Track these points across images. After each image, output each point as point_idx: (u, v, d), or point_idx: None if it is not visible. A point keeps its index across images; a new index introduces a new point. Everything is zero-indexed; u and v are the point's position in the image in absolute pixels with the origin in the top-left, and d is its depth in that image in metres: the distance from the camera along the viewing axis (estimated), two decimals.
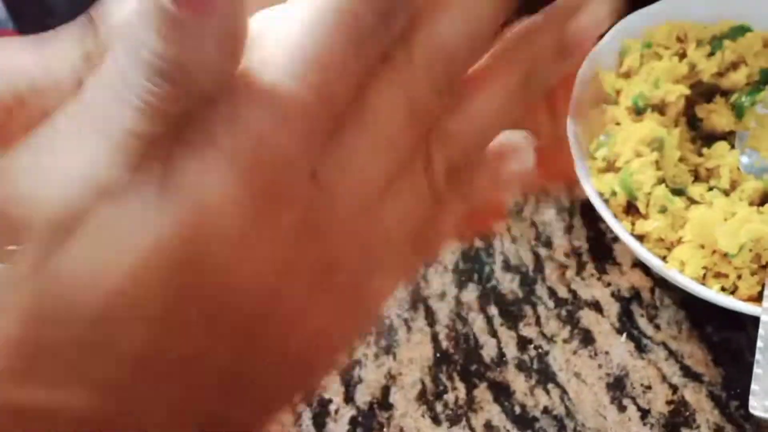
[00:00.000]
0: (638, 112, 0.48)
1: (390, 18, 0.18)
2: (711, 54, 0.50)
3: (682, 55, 0.50)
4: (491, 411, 0.44)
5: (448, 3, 0.19)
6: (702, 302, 0.42)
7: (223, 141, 0.16)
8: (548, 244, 0.50)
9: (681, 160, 0.47)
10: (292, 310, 0.18)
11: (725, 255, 0.42)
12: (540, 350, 0.46)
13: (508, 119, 0.20)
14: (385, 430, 0.43)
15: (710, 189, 0.46)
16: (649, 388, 0.44)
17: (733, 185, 0.46)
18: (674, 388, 0.44)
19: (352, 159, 0.18)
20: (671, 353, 0.45)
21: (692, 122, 0.50)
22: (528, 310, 0.47)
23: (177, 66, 0.16)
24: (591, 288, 0.48)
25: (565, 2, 0.21)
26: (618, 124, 0.48)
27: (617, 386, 0.44)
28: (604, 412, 0.43)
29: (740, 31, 0.51)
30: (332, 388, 0.45)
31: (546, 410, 0.43)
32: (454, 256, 0.49)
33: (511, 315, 0.47)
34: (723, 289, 0.42)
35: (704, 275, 0.43)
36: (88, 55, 0.21)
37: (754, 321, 0.41)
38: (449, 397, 0.44)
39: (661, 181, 0.45)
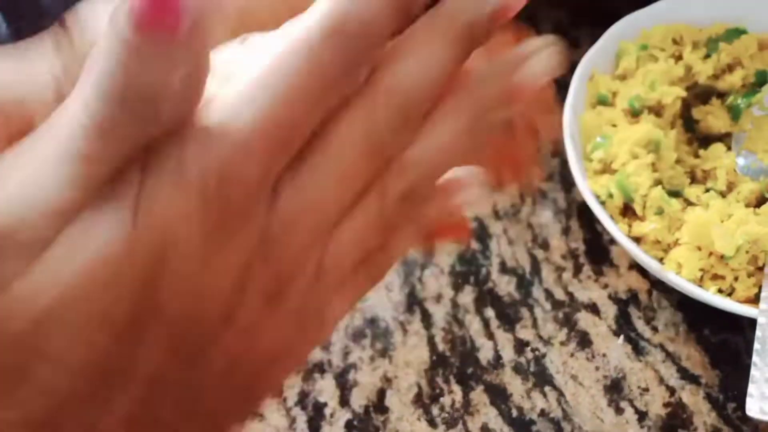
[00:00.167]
0: (634, 114, 0.48)
1: (354, 69, 0.19)
2: (707, 56, 0.50)
3: (678, 58, 0.50)
4: (488, 414, 0.43)
5: (406, 51, 0.20)
6: (699, 304, 0.42)
7: (190, 169, 0.17)
8: (545, 246, 0.49)
9: (677, 162, 0.46)
10: (244, 329, 0.19)
11: (722, 257, 0.42)
12: (537, 353, 0.45)
13: (456, 157, 0.22)
14: None
15: (707, 191, 0.46)
16: (646, 390, 0.44)
17: (730, 187, 0.46)
18: (671, 391, 0.44)
19: (309, 187, 0.19)
20: (668, 355, 0.45)
21: (688, 124, 0.50)
22: (525, 312, 0.47)
23: (137, 95, 0.17)
24: (588, 290, 0.47)
25: (513, 52, 0.22)
26: (614, 126, 0.48)
27: (614, 389, 0.44)
28: (602, 414, 0.43)
29: (736, 33, 0.51)
30: (327, 392, 0.44)
31: (543, 413, 0.43)
32: (450, 258, 0.49)
33: (508, 317, 0.47)
34: (720, 291, 0.42)
35: (701, 277, 0.43)
36: (66, 68, 0.22)
37: (751, 323, 0.41)
38: (445, 400, 0.44)
39: (658, 183, 0.45)
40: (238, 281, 0.19)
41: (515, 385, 0.44)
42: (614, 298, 0.47)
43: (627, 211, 0.45)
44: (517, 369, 0.45)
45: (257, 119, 0.18)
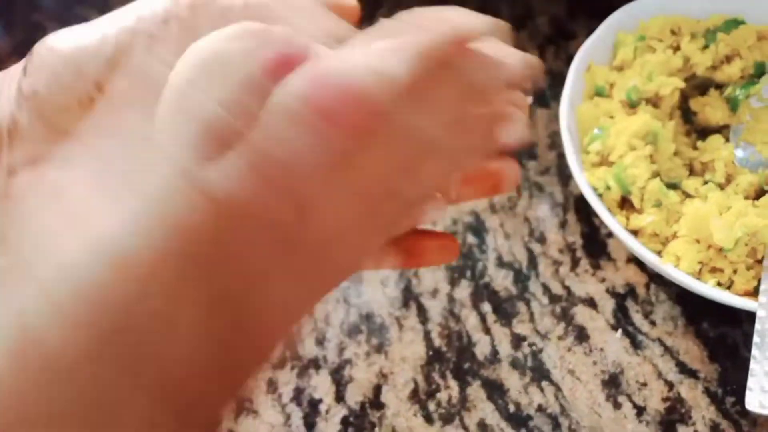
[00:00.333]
0: (632, 105, 0.47)
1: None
2: (705, 47, 0.49)
3: (676, 48, 0.50)
4: (485, 409, 0.43)
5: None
6: (697, 297, 0.42)
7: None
8: (542, 240, 0.49)
9: (675, 153, 0.46)
10: (258, 270, 0.20)
11: (721, 249, 0.42)
12: (534, 347, 0.45)
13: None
14: (377, 429, 0.43)
15: (705, 183, 0.45)
16: (644, 384, 0.43)
17: (728, 179, 0.45)
18: (670, 385, 0.43)
19: (336, 196, 0.21)
20: (667, 349, 0.44)
21: (686, 115, 0.49)
22: (522, 306, 0.46)
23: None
24: (585, 284, 0.47)
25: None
26: (612, 117, 0.47)
27: (612, 383, 0.43)
28: (599, 409, 0.43)
29: (734, 24, 0.50)
30: (323, 388, 0.44)
31: (540, 408, 0.43)
32: None
33: (505, 312, 0.46)
34: (719, 284, 0.42)
35: (700, 270, 0.42)
36: (30, 95, 0.24)
37: (750, 316, 0.40)
38: (442, 395, 0.43)
39: (656, 175, 0.44)
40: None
41: (512, 380, 0.44)
42: (612, 292, 0.47)
43: (625, 203, 0.45)
44: (514, 364, 0.44)
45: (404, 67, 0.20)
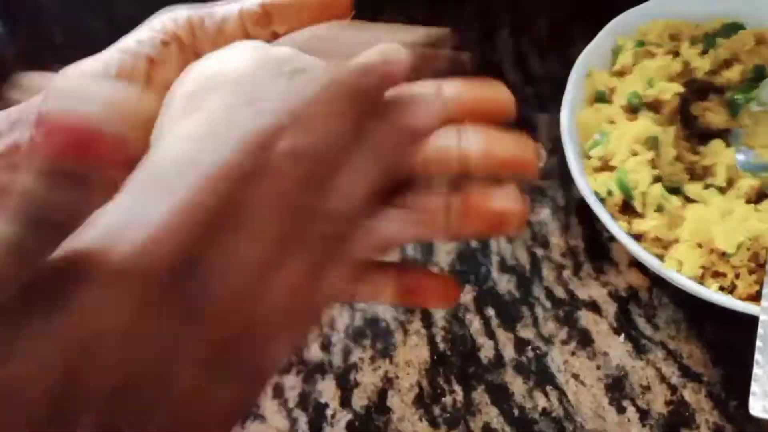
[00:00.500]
0: (633, 110, 0.48)
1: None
2: (704, 52, 0.50)
3: (676, 53, 0.50)
4: (490, 413, 0.43)
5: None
6: (700, 301, 0.42)
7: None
8: (545, 244, 0.49)
9: (676, 158, 0.46)
10: (186, 389, 0.20)
11: (723, 254, 0.42)
12: (538, 351, 0.45)
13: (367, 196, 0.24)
14: None
15: (706, 187, 0.46)
16: (648, 388, 0.44)
17: (730, 183, 0.46)
18: (673, 389, 0.43)
19: (231, 249, 0.21)
20: (670, 353, 0.45)
21: (687, 120, 0.50)
22: (525, 311, 0.47)
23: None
24: (588, 288, 0.47)
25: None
26: (612, 122, 0.47)
27: (616, 387, 0.44)
28: (603, 413, 0.43)
29: (733, 28, 0.50)
30: (328, 393, 0.44)
31: (545, 412, 0.43)
32: (449, 258, 0.49)
33: (509, 316, 0.47)
34: (721, 288, 0.42)
35: (702, 274, 0.43)
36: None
37: (753, 320, 0.41)
38: (447, 400, 0.44)
39: (657, 179, 0.44)
40: (170, 347, 0.20)
41: (517, 385, 0.44)
42: (615, 296, 0.47)
43: (626, 208, 0.45)
44: (519, 368, 0.45)
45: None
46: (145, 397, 0.20)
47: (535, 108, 0.55)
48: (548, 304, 0.47)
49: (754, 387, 0.38)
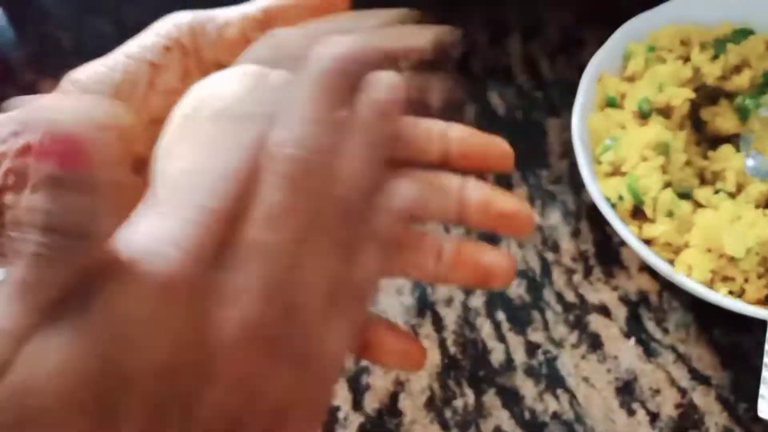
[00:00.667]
0: (643, 116, 0.48)
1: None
2: (715, 57, 0.50)
3: (686, 59, 0.51)
4: (500, 417, 0.44)
5: None
6: (710, 305, 0.42)
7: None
8: (555, 248, 0.50)
9: (687, 163, 0.47)
10: (231, 377, 0.21)
11: (732, 258, 0.42)
12: (548, 355, 0.46)
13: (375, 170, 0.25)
14: None
15: (716, 192, 0.46)
16: (657, 392, 0.44)
17: (739, 188, 0.46)
18: (683, 392, 0.44)
19: (251, 240, 0.22)
20: (679, 357, 0.45)
21: (697, 125, 0.50)
22: (536, 315, 0.47)
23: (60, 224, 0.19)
24: (598, 292, 0.48)
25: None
26: (623, 128, 0.48)
27: (626, 390, 0.44)
28: (614, 416, 0.43)
29: (743, 34, 0.51)
30: (340, 396, 0.45)
31: (555, 415, 0.43)
32: None
33: (519, 320, 0.47)
34: (730, 292, 0.43)
35: (711, 279, 0.43)
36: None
37: (762, 324, 0.41)
38: (458, 403, 0.44)
39: (668, 185, 0.45)
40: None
41: (527, 388, 0.44)
42: (625, 300, 0.47)
43: (637, 213, 0.45)
44: (529, 371, 0.45)
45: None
46: (187, 383, 0.20)
47: (546, 113, 0.56)
48: (559, 308, 0.47)
49: (763, 390, 0.39)
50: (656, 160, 0.45)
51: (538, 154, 0.54)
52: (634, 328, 0.46)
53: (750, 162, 0.47)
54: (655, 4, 0.52)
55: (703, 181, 0.47)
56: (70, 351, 0.19)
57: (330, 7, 0.29)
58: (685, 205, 0.44)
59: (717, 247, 0.43)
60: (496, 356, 0.46)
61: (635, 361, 0.45)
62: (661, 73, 0.49)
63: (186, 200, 0.21)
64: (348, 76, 0.25)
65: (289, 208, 0.22)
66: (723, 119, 0.49)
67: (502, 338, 0.46)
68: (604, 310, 0.47)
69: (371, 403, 0.44)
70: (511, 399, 0.44)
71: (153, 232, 0.21)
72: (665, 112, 0.48)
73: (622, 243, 0.49)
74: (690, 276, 0.42)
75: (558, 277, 0.48)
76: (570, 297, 0.48)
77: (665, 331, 0.46)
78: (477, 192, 0.27)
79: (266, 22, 0.28)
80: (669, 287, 0.47)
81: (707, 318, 0.46)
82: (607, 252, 0.49)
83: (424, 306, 0.48)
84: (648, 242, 0.44)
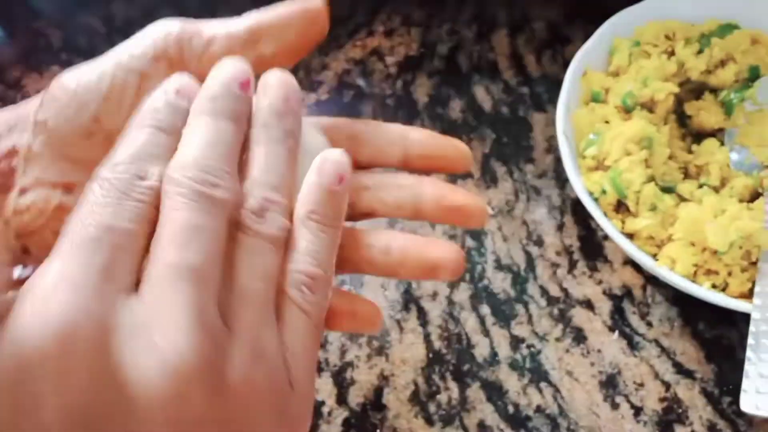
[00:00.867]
0: (627, 110, 0.48)
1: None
2: (699, 52, 0.50)
3: (671, 53, 0.51)
4: (484, 410, 0.44)
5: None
6: (693, 299, 0.42)
7: None
8: (540, 242, 0.50)
9: (670, 157, 0.47)
10: None
11: (715, 252, 0.42)
12: (532, 349, 0.46)
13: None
14: (378, 431, 0.43)
15: (700, 186, 0.46)
16: (641, 385, 0.44)
17: (723, 182, 0.46)
18: (667, 385, 0.44)
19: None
20: (663, 350, 0.45)
21: (681, 119, 0.50)
22: (520, 309, 0.47)
23: None
24: (582, 286, 0.48)
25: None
26: (607, 122, 0.48)
27: (610, 384, 0.44)
28: (597, 410, 0.43)
29: (728, 28, 0.51)
30: (325, 390, 0.45)
31: (539, 409, 0.43)
32: None
33: (503, 314, 0.47)
34: (714, 286, 0.43)
35: (695, 272, 0.43)
36: (42, 125, 0.27)
37: (745, 317, 0.41)
38: (442, 397, 0.44)
39: (651, 179, 0.45)
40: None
41: (511, 382, 0.44)
42: (609, 294, 0.47)
43: (620, 207, 0.45)
44: (513, 365, 0.45)
45: None
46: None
47: (531, 107, 0.56)
48: (543, 302, 0.47)
49: (745, 384, 0.39)
50: (639, 154, 0.45)
51: (524, 149, 0.54)
52: (617, 321, 0.46)
53: (734, 156, 0.47)
54: (639, 0, 0.52)
55: (687, 175, 0.47)
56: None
57: (312, 24, 0.29)
58: (668, 199, 0.44)
59: (700, 241, 0.43)
60: (481, 350, 0.46)
61: (619, 355, 0.45)
62: (645, 67, 0.49)
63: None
64: (235, 97, 0.26)
65: (195, 225, 0.23)
66: (707, 114, 0.49)
67: (486, 332, 0.46)
68: (588, 304, 0.47)
69: (356, 397, 0.44)
70: (495, 393, 0.44)
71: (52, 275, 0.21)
72: (649, 106, 0.48)
73: (606, 237, 0.49)
74: (673, 270, 0.42)
75: (542, 271, 0.48)
76: (554, 291, 0.48)
77: (649, 324, 0.46)
78: (431, 188, 0.28)
79: (251, 41, 0.28)
80: (653, 281, 0.47)
81: (691, 312, 0.46)
82: (591, 246, 0.49)
83: (409, 300, 0.48)
84: (631, 236, 0.44)
